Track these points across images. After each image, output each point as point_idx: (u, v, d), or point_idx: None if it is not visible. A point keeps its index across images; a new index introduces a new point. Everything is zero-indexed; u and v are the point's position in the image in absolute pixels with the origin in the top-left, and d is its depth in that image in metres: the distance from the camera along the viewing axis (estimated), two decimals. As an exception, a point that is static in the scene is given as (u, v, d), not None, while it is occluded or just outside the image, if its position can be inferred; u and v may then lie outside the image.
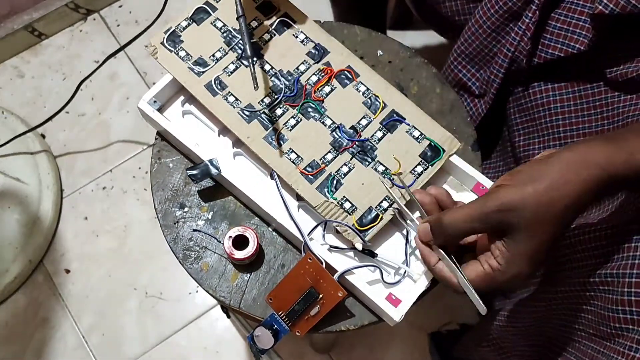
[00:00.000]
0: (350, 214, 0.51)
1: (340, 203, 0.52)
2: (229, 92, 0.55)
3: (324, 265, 0.49)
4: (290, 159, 0.53)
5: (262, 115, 0.55)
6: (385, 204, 0.52)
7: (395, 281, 0.51)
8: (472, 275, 0.44)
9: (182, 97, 0.58)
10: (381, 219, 0.51)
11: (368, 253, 0.51)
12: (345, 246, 0.52)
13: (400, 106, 0.56)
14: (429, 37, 1.13)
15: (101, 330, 0.99)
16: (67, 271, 1.03)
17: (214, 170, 0.53)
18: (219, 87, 0.55)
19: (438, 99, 0.61)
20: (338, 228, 0.51)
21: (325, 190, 0.52)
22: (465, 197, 0.54)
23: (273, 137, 0.54)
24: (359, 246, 0.51)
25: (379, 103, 0.56)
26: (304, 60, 0.57)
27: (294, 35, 0.58)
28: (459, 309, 0.98)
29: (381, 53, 0.62)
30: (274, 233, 0.55)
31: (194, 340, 0.99)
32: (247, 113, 0.55)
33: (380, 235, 0.53)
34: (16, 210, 1.03)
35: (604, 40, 0.55)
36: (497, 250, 0.42)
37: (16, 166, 1.06)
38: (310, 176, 0.53)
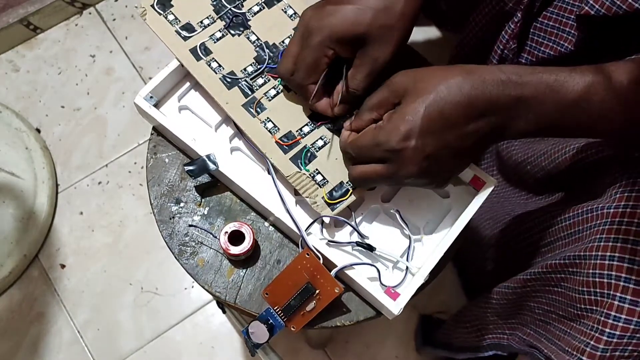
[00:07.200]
0: (321, 187, 0.52)
1: (312, 175, 0.52)
2: (213, 58, 0.55)
3: (321, 260, 0.49)
4: (267, 128, 0.53)
5: (243, 83, 0.55)
6: None
7: (394, 282, 0.51)
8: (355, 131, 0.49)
9: (178, 93, 0.58)
10: (351, 194, 0.52)
11: (366, 247, 0.51)
12: (344, 240, 0.52)
13: None
14: (427, 34, 1.13)
15: (96, 325, 0.99)
16: (63, 266, 1.03)
17: (211, 166, 0.53)
18: (203, 52, 0.55)
19: (435, 96, 0.61)
20: (308, 200, 0.51)
21: (299, 161, 0.52)
22: (463, 191, 0.54)
23: (252, 105, 0.54)
24: (327, 219, 0.51)
25: None
26: (290, 35, 0.57)
27: (282, 9, 0.58)
28: (453, 303, 0.98)
29: (378, 49, 0.62)
30: (270, 228, 0.55)
31: (189, 336, 0.99)
32: (228, 80, 0.55)
33: (379, 229, 0.53)
34: (11, 204, 1.02)
35: (593, 41, 0.55)
36: (387, 114, 0.46)
37: (11, 160, 1.05)
38: (285, 146, 0.53)
